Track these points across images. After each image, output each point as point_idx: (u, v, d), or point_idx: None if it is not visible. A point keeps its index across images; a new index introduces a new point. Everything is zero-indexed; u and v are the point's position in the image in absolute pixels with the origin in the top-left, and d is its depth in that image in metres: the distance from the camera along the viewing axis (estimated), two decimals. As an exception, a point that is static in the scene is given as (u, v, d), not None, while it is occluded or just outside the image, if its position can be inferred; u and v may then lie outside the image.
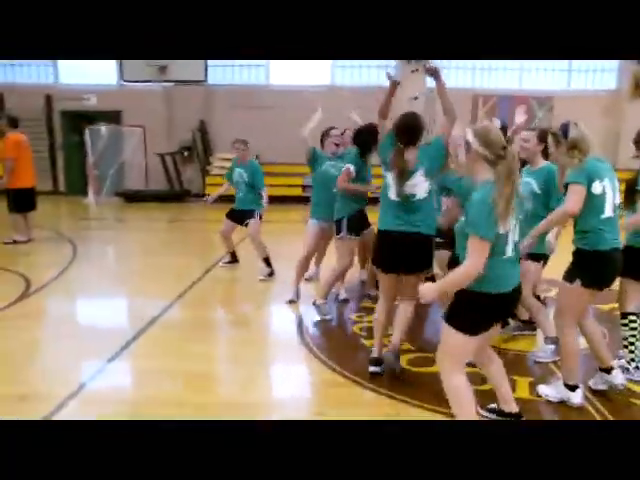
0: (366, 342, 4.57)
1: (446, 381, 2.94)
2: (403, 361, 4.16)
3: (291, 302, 5.60)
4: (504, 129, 4.22)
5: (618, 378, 3.64)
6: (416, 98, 13.19)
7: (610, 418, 3.36)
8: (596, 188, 3.33)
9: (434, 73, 3.83)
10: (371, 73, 14.34)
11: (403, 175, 3.71)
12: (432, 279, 4.82)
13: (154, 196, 14.50)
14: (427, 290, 2.71)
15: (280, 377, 4.18)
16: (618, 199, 3.49)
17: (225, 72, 14.78)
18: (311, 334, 4.80)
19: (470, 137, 2.74)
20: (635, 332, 3.86)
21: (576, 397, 3.47)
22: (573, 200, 3.27)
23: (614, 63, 14.46)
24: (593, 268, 3.40)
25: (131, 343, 4.50)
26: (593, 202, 3.33)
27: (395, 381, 3.88)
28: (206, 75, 14.05)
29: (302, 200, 13.24)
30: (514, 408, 3.23)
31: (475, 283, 2.67)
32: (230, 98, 14.42)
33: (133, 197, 14.40)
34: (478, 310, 2.78)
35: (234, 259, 7.20)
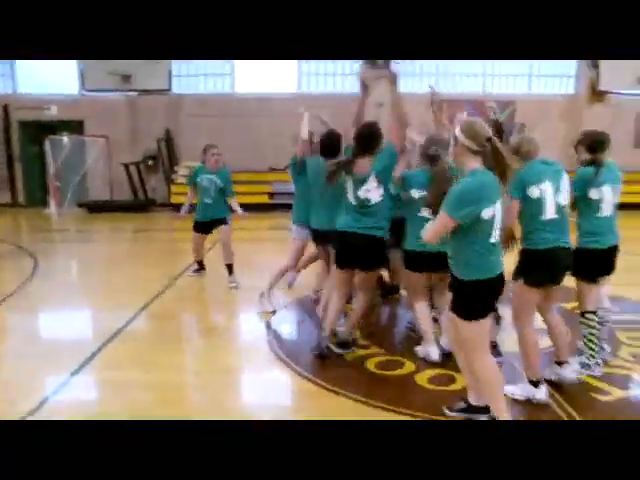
0: (334, 347, 4.53)
1: (476, 366, 3.08)
2: (371, 364, 4.16)
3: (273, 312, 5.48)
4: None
5: (568, 372, 3.70)
6: (381, 105, 13.29)
7: (574, 414, 3.40)
8: (533, 192, 3.45)
9: (393, 79, 4.02)
10: (336, 80, 14.40)
11: (356, 181, 3.99)
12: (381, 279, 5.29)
13: (118, 206, 14.28)
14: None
15: (250, 386, 4.12)
16: (565, 200, 3.55)
17: (189, 81, 14.67)
18: (280, 341, 4.75)
19: (457, 131, 2.89)
20: (594, 330, 3.93)
21: (540, 393, 3.51)
22: (508, 216, 3.40)
23: (572, 69, 14.83)
24: (534, 267, 3.49)
25: (95, 355, 4.39)
26: (531, 205, 3.46)
27: (364, 385, 3.87)
28: (170, 84, 13.93)
29: (270, 208, 13.23)
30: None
31: (467, 272, 2.91)
32: (195, 107, 14.32)
33: (97, 208, 14.16)
34: (476, 297, 2.96)
35: (201, 267, 7.07)
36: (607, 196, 3.82)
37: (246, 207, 12.46)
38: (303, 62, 14.20)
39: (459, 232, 2.88)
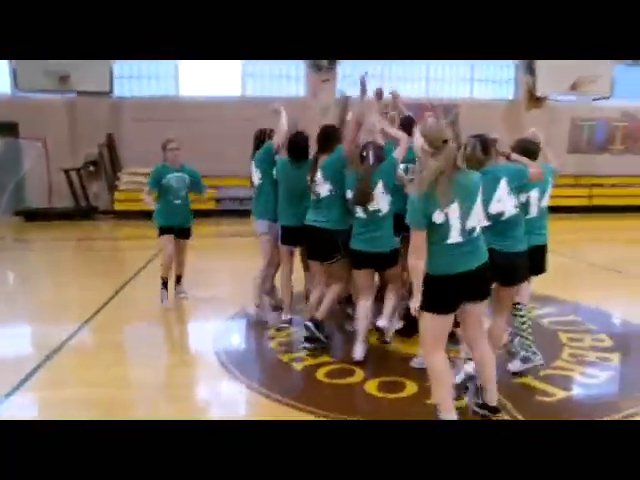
0: (284, 357, 4.51)
1: (426, 360, 3.24)
2: (321, 374, 4.14)
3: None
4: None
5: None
6: (328, 108, 13.34)
7: (520, 417, 3.48)
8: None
9: (363, 86, 4.42)
10: (282, 83, 14.37)
11: (311, 177, 4.45)
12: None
13: (58, 214, 13.72)
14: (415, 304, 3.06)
15: (198, 399, 4.04)
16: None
17: (132, 83, 14.30)
18: (229, 353, 4.67)
19: (417, 135, 3.05)
20: (524, 318, 4.08)
21: None
22: None
23: (512, 74, 15.28)
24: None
25: (35, 373, 4.20)
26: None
27: (314, 395, 3.85)
28: (112, 86, 13.52)
29: (216, 214, 13.05)
30: (492, 401, 3.41)
31: (428, 267, 3.00)
32: (138, 110, 13.95)
33: (35, 215, 13.60)
34: (434, 291, 3.04)
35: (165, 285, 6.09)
36: (533, 199, 3.96)
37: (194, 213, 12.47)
38: (248, 64, 14.09)
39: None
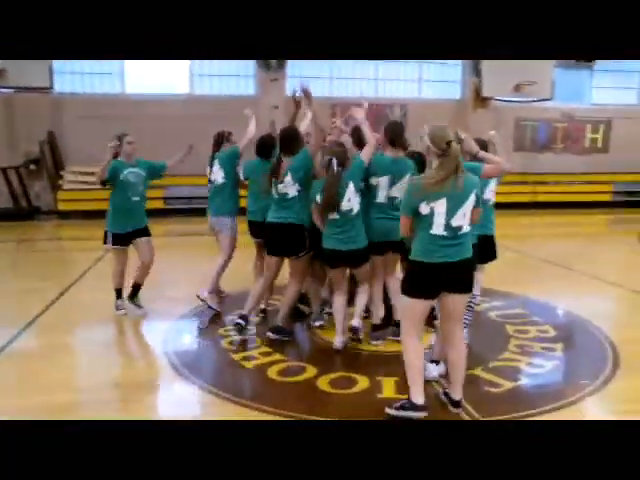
0: (236, 356, 4.45)
1: (402, 340, 3.42)
2: (273, 372, 4.11)
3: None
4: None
5: (431, 371, 3.89)
6: (277, 107, 13.31)
7: (469, 408, 3.54)
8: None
9: (307, 94, 4.54)
10: (230, 82, 14.22)
11: (277, 178, 4.59)
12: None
13: (-3, 214, 13.17)
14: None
15: (147, 401, 3.93)
16: None
17: (74, 79, 13.83)
18: (179, 353, 4.57)
19: (425, 135, 3.24)
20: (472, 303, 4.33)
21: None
22: None
23: (458, 75, 15.60)
24: None
25: (-29, 380, 4.01)
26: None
27: (265, 393, 3.82)
28: (52, 82, 13.04)
29: (164, 213, 12.80)
30: (457, 396, 3.49)
31: (412, 251, 3.28)
32: (82, 108, 13.50)
33: (-29, 216, 12.99)
34: (413, 275, 3.33)
35: (119, 295, 5.73)
36: None
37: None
38: (195, 63, 13.88)
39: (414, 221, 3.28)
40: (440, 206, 3.16)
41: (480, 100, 14.92)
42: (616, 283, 6.89)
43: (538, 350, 4.57)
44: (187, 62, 13.83)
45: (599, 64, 16.17)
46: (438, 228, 3.19)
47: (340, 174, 4.27)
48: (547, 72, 14.18)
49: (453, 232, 3.21)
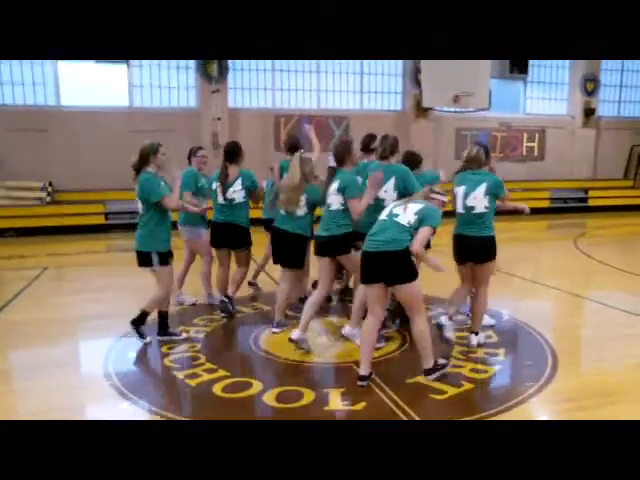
0: (180, 374, 4.32)
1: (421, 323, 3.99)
2: (217, 389, 4.01)
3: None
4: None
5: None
6: (219, 118, 13.20)
7: (412, 414, 3.55)
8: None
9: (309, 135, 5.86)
10: (172, 94, 14.01)
11: (224, 185, 5.50)
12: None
13: None
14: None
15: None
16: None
17: (3, 90, 13.19)
18: (120, 373, 4.40)
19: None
20: None
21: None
22: None
23: (400, 87, 15.88)
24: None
25: None
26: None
27: (209, 411, 3.73)
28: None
29: (106, 229, 12.45)
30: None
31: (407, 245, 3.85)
32: (13, 120, 12.96)
33: None
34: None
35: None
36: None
37: (80, 229, 11.82)
38: (134, 74, 13.60)
39: None
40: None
41: (420, 111, 15.22)
42: (555, 286, 7.11)
43: (481, 355, 4.64)
44: (125, 73, 13.53)
45: (531, 75, 16.81)
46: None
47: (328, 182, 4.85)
48: (484, 83, 14.62)
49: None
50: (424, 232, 3.83)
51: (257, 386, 4.04)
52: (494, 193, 4.63)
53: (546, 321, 5.70)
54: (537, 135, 17.27)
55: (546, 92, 17.51)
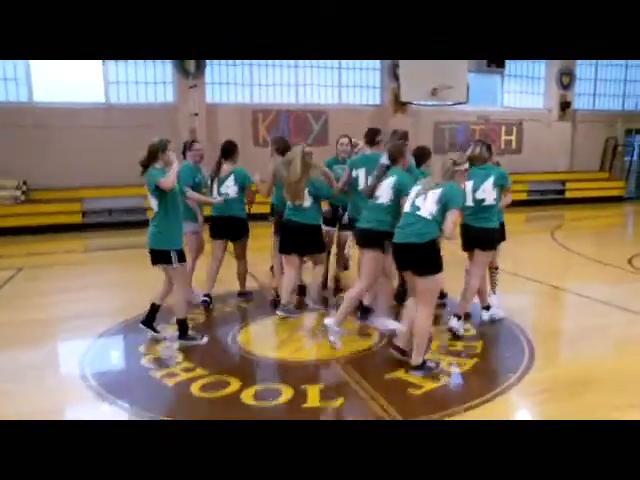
0: (157, 373, 4.28)
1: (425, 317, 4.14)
2: (196, 388, 3.98)
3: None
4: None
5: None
6: (196, 114, 13.08)
7: (391, 410, 3.56)
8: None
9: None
10: (149, 90, 13.84)
11: (218, 180, 5.84)
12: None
13: None
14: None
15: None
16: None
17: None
18: (97, 373, 4.34)
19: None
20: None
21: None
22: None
23: (378, 81, 15.87)
24: None
25: None
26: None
27: (187, 410, 3.70)
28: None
29: (82, 227, 12.28)
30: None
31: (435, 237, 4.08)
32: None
33: None
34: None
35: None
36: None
37: (56, 228, 11.65)
38: (110, 70, 13.41)
39: None
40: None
41: (399, 105, 15.24)
42: (533, 278, 7.18)
43: (460, 349, 4.67)
44: (101, 69, 13.33)
45: (509, 69, 16.91)
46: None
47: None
48: (462, 77, 14.66)
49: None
50: (452, 216, 4.00)
51: (235, 384, 4.02)
52: (501, 184, 5.01)
53: (524, 313, 5.74)
54: (515, 128, 17.40)
55: (523, 86, 17.64)
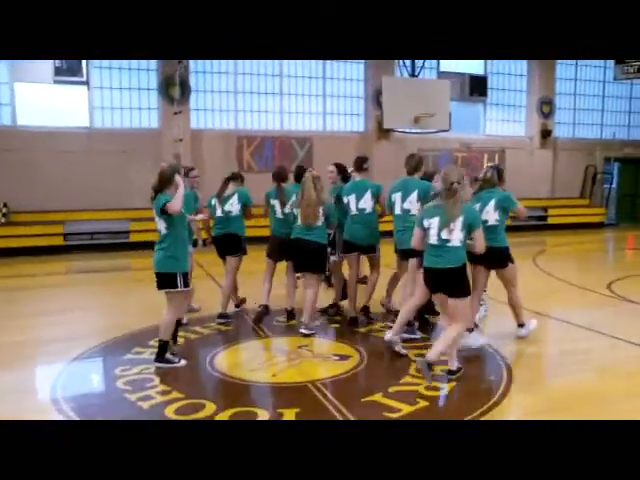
0: (132, 396, 4.21)
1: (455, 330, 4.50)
2: (170, 411, 3.92)
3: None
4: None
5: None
6: (181, 140, 13.12)
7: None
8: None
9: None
10: (133, 115, 13.89)
11: (221, 198, 6.20)
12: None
13: None
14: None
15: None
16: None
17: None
18: (69, 397, 4.25)
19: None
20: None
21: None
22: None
23: (362, 108, 16.07)
24: None
25: None
26: None
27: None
28: None
29: (64, 250, 12.17)
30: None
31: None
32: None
33: None
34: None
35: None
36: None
37: (37, 250, 11.55)
38: (95, 96, 13.44)
39: None
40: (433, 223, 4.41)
41: (382, 132, 15.41)
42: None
43: (438, 373, 4.64)
44: (86, 95, 13.36)
45: (491, 97, 17.22)
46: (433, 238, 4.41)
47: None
48: (444, 105, 14.91)
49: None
50: (479, 235, 4.46)
51: (210, 407, 3.96)
52: (503, 206, 5.34)
53: (504, 337, 5.74)
54: (497, 155, 17.63)
55: (505, 114, 17.95)
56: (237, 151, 14.50)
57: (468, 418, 3.78)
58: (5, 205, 12.26)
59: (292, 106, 15.44)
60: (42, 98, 13.09)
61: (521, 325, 5.66)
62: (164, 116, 13.69)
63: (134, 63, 13.73)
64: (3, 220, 12.18)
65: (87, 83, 13.16)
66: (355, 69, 15.94)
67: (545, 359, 5.40)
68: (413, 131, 15.49)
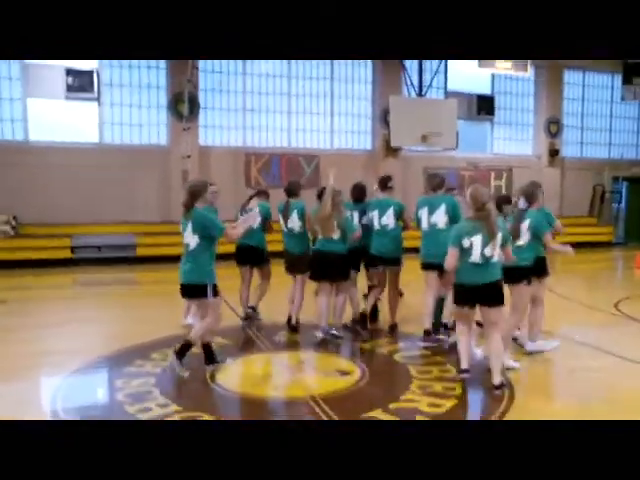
0: (131, 408, 4.22)
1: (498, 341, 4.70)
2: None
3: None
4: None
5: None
6: (189, 156, 13.23)
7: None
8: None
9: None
10: (143, 132, 14.03)
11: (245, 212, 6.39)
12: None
13: None
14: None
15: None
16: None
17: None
18: (69, 409, 4.26)
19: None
20: None
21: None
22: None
23: (369, 127, 16.16)
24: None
25: None
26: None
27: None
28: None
29: (72, 263, 12.25)
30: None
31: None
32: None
33: None
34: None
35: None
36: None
37: (45, 263, 11.63)
38: (105, 112, 13.61)
39: None
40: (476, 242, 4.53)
41: (389, 150, 15.47)
42: (523, 323, 7.12)
43: (439, 390, 4.62)
44: (96, 111, 13.54)
45: (498, 117, 17.28)
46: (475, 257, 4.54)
47: None
48: (452, 124, 14.98)
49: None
50: (509, 252, 4.75)
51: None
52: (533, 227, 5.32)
53: (510, 356, 5.69)
54: (504, 174, 17.64)
55: (512, 133, 17.99)
56: (245, 168, 14.60)
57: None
58: (15, 218, 12.40)
59: (300, 124, 15.56)
60: (54, 114, 13.29)
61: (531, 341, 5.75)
62: (173, 132, 13.84)
63: (144, 80, 13.91)
64: (12, 233, 12.31)
65: (98, 99, 13.35)
66: (363, 88, 16.07)
67: (549, 378, 5.36)
68: (420, 149, 15.55)
